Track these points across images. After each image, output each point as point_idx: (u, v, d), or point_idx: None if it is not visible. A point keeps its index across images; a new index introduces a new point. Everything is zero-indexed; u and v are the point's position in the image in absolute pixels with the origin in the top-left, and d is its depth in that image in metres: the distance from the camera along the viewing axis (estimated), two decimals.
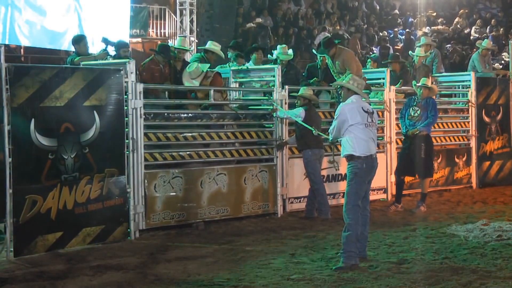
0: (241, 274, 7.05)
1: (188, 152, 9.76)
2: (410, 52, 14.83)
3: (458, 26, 26.31)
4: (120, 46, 10.88)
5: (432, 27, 25.99)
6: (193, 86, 10.27)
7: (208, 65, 10.59)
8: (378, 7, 27.39)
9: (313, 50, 13.15)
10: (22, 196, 7.73)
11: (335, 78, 11.42)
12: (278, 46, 12.23)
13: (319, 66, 12.35)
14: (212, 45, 11.49)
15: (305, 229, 9.51)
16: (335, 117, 7.56)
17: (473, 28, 26.04)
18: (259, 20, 21.88)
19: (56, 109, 8.02)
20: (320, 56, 12.23)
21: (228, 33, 21.17)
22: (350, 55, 11.84)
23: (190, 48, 11.73)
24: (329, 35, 17.58)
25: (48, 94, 7.95)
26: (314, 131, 9.89)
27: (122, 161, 8.72)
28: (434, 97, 11.57)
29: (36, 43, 16.83)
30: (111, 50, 10.84)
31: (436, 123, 11.71)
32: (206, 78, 10.37)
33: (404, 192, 11.41)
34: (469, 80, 13.51)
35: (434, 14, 27.26)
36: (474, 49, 19.33)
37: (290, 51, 12.24)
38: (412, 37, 24.67)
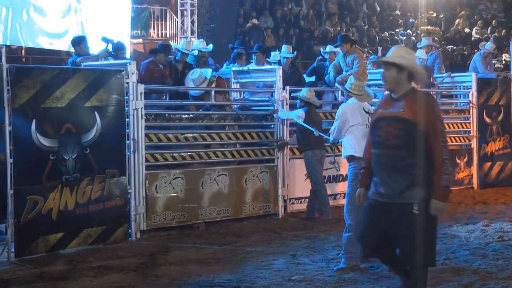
0: (242, 275, 7.05)
1: (189, 153, 9.76)
2: None
3: (459, 27, 26.32)
4: (118, 48, 10.90)
5: (421, 27, 26.03)
6: (197, 87, 10.30)
7: (210, 70, 10.60)
8: (379, 8, 27.40)
9: (321, 50, 13.30)
10: (23, 197, 7.73)
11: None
12: (284, 45, 12.39)
13: (326, 64, 12.52)
14: (201, 44, 11.88)
15: (306, 230, 9.50)
16: (336, 117, 7.56)
17: (474, 29, 26.06)
18: (254, 21, 21.87)
19: (57, 110, 8.02)
20: (328, 54, 12.35)
21: (229, 33, 21.18)
22: (362, 57, 12.10)
23: (194, 52, 11.76)
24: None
25: (49, 95, 7.95)
26: (315, 132, 9.89)
27: (123, 162, 8.72)
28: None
29: (37, 43, 16.84)
30: (112, 49, 10.85)
31: None
32: (210, 83, 10.36)
33: None
34: (470, 81, 13.52)
35: (434, 15, 27.30)
36: (475, 50, 19.35)
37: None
38: (398, 37, 24.82)
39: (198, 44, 12.03)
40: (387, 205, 5.22)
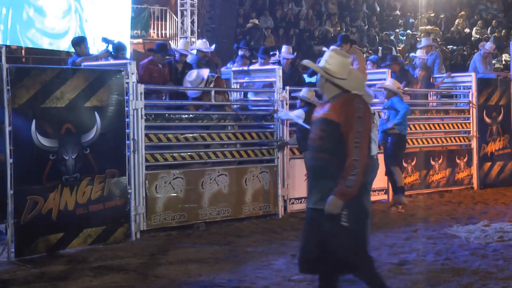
0: (242, 275, 7.05)
1: (189, 153, 9.76)
2: (411, 54, 14.84)
3: (459, 27, 26.32)
4: (119, 49, 10.89)
5: (421, 27, 26.05)
6: (196, 88, 10.29)
7: (208, 70, 10.59)
8: (379, 8, 27.41)
9: (324, 49, 13.31)
10: (23, 197, 7.73)
11: None
12: (283, 46, 12.39)
13: None
14: (203, 45, 11.79)
15: None
16: None
17: (474, 29, 26.07)
18: (254, 21, 21.88)
19: (57, 110, 8.02)
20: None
21: (229, 33, 21.18)
22: (362, 56, 12.12)
23: (192, 52, 11.72)
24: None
25: (49, 95, 7.95)
26: None
27: (123, 162, 8.72)
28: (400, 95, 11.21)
29: (37, 43, 16.84)
30: (112, 49, 10.86)
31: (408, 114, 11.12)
32: (208, 84, 10.35)
33: (406, 193, 11.37)
34: (470, 81, 13.52)
35: (434, 14, 27.30)
36: (475, 50, 19.36)
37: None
38: (395, 38, 24.89)
39: (200, 44, 11.98)
40: (313, 211, 5.03)
